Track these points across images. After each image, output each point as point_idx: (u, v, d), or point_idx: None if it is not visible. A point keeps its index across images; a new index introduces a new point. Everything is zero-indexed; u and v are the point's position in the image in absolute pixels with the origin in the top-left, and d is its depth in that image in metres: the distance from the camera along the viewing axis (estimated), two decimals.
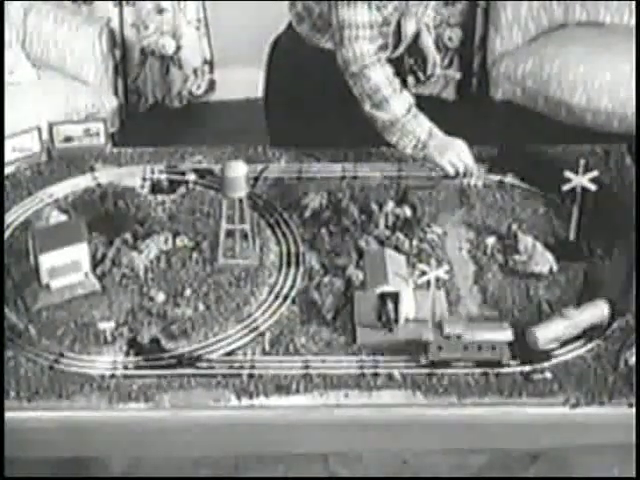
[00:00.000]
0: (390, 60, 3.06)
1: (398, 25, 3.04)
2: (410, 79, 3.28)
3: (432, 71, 3.29)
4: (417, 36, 3.22)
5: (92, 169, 3.08)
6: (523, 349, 2.45)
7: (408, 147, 2.98)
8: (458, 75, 3.21)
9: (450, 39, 5.02)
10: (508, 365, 2.41)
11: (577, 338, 2.48)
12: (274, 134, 3.34)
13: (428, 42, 3.27)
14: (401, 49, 3.15)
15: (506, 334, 2.43)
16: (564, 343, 2.47)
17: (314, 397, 2.38)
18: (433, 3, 3.21)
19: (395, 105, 2.94)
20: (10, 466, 2.32)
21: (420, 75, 3.30)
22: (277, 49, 3.27)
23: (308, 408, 2.37)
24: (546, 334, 2.46)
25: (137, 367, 2.44)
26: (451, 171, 2.98)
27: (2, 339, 2.48)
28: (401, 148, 2.99)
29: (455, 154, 2.98)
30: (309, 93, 3.14)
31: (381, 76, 2.93)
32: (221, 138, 4.14)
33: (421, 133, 2.96)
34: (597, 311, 2.52)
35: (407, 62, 3.25)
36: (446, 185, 3.00)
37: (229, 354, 2.48)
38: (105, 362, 2.45)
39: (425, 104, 3.54)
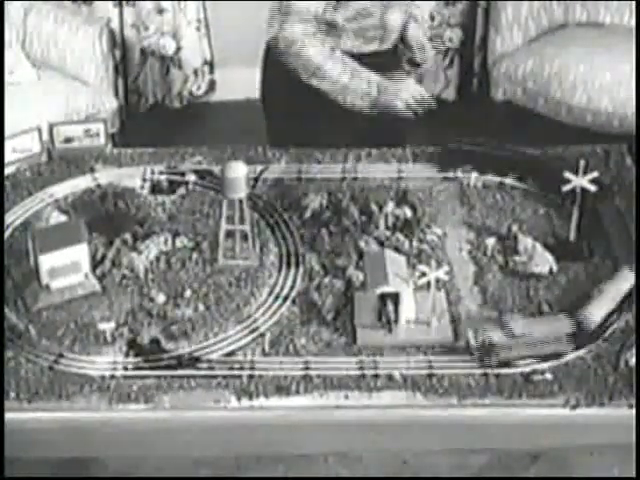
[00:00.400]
0: (383, 52, 3.14)
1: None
2: (407, 68, 3.29)
3: (422, 59, 3.30)
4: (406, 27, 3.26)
5: (92, 170, 3.08)
6: (580, 335, 2.48)
7: (359, 105, 3.06)
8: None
9: (450, 39, 5.02)
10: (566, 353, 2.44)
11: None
12: (273, 134, 3.35)
13: (415, 32, 3.29)
14: (390, 41, 3.18)
15: (565, 325, 2.45)
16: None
17: (314, 398, 2.38)
18: None
19: (333, 72, 3.03)
20: (10, 466, 2.32)
21: (416, 61, 3.32)
22: (272, 48, 3.28)
23: (308, 409, 2.37)
24: (599, 312, 2.48)
25: (137, 368, 2.44)
26: (405, 111, 3.07)
27: (2, 340, 2.48)
28: (358, 109, 3.07)
29: (408, 94, 3.06)
30: (306, 92, 3.15)
31: (315, 51, 3.02)
32: (221, 138, 4.14)
33: (369, 88, 3.04)
34: (626, 283, 2.56)
35: (401, 52, 3.28)
36: (446, 186, 3.01)
37: (229, 355, 2.48)
38: (105, 363, 2.45)
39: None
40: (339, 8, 3.04)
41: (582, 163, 2.69)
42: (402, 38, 3.26)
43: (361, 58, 3.11)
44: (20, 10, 4.51)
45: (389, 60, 3.21)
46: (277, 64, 3.22)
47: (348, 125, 3.15)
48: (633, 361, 2.42)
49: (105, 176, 3.06)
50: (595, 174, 2.71)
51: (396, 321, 2.50)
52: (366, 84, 3.04)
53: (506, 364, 2.42)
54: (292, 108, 3.21)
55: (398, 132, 3.35)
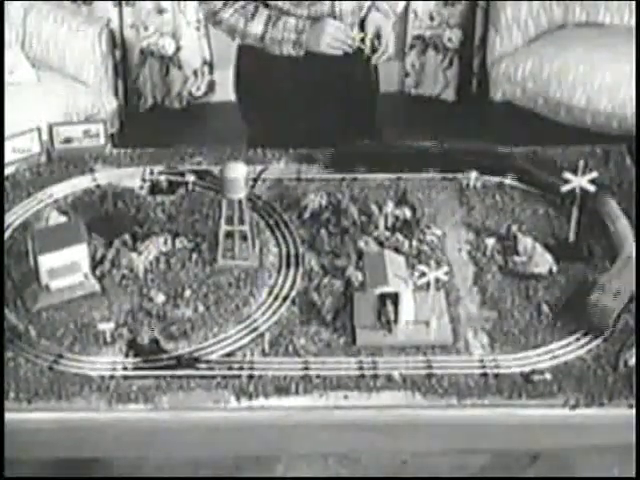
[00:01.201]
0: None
1: None
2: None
3: (369, 52, 3.26)
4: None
5: (92, 170, 3.08)
6: None
7: (289, 51, 3.14)
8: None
9: (450, 40, 5.02)
10: None
11: None
12: (251, 135, 3.39)
13: (372, 21, 3.28)
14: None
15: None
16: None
17: (314, 398, 2.38)
18: None
19: (252, 28, 3.13)
20: (10, 466, 2.32)
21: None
22: (242, 49, 3.33)
23: (308, 409, 2.37)
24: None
25: (136, 368, 2.44)
26: (335, 52, 3.12)
27: (2, 340, 2.48)
28: (285, 53, 3.15)
29: (330, 36, 3.10)
30: (280, 91, 3.23)
31: (229, 15, 3.15)
32: (221, 139, 4.14)
33: (290, 34, 3.11)
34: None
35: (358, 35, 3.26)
36: (445, 186, 3.01)
37: (229, 355, 2.48)
38: (104, 363, 2.45)
39: (425, 104, 3.56)
40: None
41: (581, 163, 2.69)
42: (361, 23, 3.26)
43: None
44: (20, 10, 4.52)
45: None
46: (250, 64, 3.26)
47: (326, 122, 3.20)
48: (633, 361, 2.42)
49: (104, 176, 3.06)
50: (594, 174, 2.71)
51: (395, 321, 2.50)
52: (286, 32, 3.10)
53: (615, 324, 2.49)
54: (267, 108, 3.25)
55: (373, 129, 3.37)
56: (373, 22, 3.23)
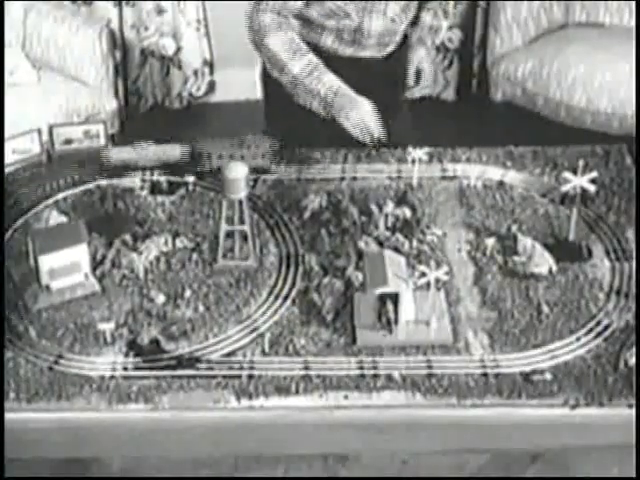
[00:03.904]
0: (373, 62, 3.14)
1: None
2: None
3: (413, 84, 3.31)
4: (407, 45, 3.27)
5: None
6: None
7: (315, 107, 3.05)
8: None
9: (450, 40, 5.02)
10: None
11: None
12: (272, 134, 3.36)
13: (417, 56, 3.31)
14: (370, 47, 3.16)
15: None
16: None
17: (314, 398, 2.38)
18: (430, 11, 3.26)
19: (294, 67, 2.99)
20: (10, 466, 2.32)
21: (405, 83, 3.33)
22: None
23: (308, 409, 2.37)
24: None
25: (137, 368, 2.44)
26: (353, 132, 3.01)
27: (2, 340, 2.48)
28: (312, 108, 3.07)
29: (359, 115, 3.00)
30: None
31: (279, 42, 3.00)
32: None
33: (326, 92, 3.00)
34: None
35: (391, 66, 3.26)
36: (445, 186, 3.01)
37: (229, 355, 2.48)
38: (105, 363, 2.45)
39: (425, 104, 3.56)
40: (312, 4, 3.04)
41: (581, 163, 2.70)
42: (398, 52, 3.25)
43: (345, 62, 3.13)
44: (20, 10, 4.52)
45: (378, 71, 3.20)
46: None
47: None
48: (633, 361, 2.43)
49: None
50: (594, 174, 2.72)
51: (396, 321, 2.50)
52: (322, 86, 3.00)
53: None
54: (292, 109, 3.22)
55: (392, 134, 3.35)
56: (417, 57, 3.28)
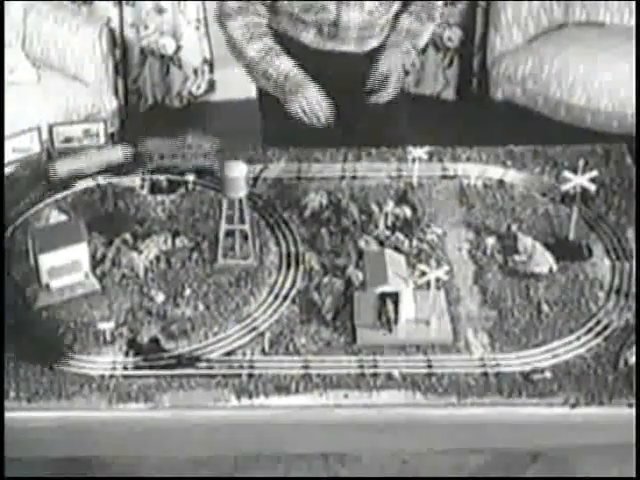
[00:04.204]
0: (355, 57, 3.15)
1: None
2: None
3: (375, 88, 3.21)
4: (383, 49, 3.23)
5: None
6: None
7: (269, 88, 3.13)
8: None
9: (450, 39, 5.02)
10: None
11: None
12: (267, 134, 3.38)
13: (387, 60, 3.21)
14: (351, 42, 3.16)
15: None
16: None
17: (314, 397, 2.38)
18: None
19: (249, 50, 3.09)
20: (10, 466, 2.32)
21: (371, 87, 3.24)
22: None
23: (308, 408, 2.37)
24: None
25: (137, 367, 2.44)
26: (301, 115, 3.09)
27: (2, 339, 2.48)
28: (266, 89, 3.15)
29: (305, 99, 3.07)
30: None
31: (237, 26, 3.09)
32: (221, 138, 4.14)
33: (277, 75, 3.08)
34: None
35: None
36: (446, 185, 3.01)
37: (229, 354, 2.48)
38: (105, 362, 2.45)
39: (425, 104, 3.54)
40: None
41: (581, 162, 2.70)
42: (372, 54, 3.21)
43: (328, 57, 3.16)
44: (20, 10, 4.51)
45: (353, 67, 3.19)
46: None
47: (344, 123, 3.16)
48: (633, 360, 2.43)
49: (105, 176, 3.06)
50: (594, 173, 2.72)
51: (396, 320, 2.50)
52: (274, 70, 3.08)
53: None
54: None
55: (395, 133, 3.35)
56: (386, 61, 3.19)
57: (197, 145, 3.00)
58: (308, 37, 3.15)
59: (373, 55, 3.21)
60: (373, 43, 3.21)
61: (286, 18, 3.15)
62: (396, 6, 3.18)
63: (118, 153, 3.02)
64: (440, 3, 3.25)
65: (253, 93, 3.42)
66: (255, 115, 3.46)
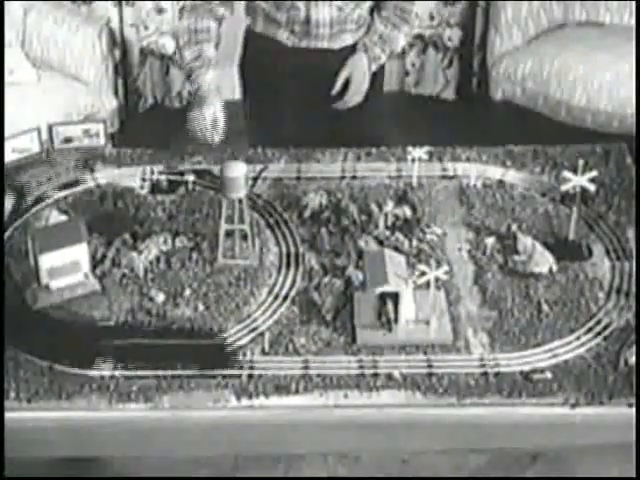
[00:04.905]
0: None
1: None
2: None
3: (335, 92, 3.21)
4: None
5: (92, 170, 3.08)
6: None
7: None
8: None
9: (450, 39, 5.02)
10: None
11: None
12: (252, 134, 3.39)
13: (352, 63, 3.19)
14: (323, 39, 3.17)
15: None
16: None
17: (314, 397, 2.38)
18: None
19: (185, 53, 3.12)
20: (10, 466, 2.32)
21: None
22: (247, 49, 3.35)
23: (308, 408, 2.37)
24: None
25: (137, 367, 2.44)
26: (191, 128, 3.10)
27: (2, 339, 2.48)
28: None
29: (202, 115, 3.08)
30: (282, 91, 3.23)
31: (185, 26, 3.12)
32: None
33: (195, 86, 3.10)
34: None
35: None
36: (446, 185, 3.01)
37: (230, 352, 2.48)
38: (105, 362, 2.45)
39: (425, 104, 3.54)
40: None
41: (581, 162, 2.69)
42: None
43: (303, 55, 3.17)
44: (20, 10, 4.51)
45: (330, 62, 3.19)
46: (255, 64, 3.26)
47: (327, 122, 3.19)
48: (633, 360, 2.42)
49: (105, 176, 3.06)
50: (594, 173, 2.71)
51: (396, 320, 2.50)
52: (195, 79, 3.09)
53: None
54: (273, 108, 3.24)
55: (374, 133, 3.35)
56: (351, 64, 3.18)
57: (64, 159, 3.00)
58: (283, 35, 3.17)
59: (348, 52, 3.21)
60: (348, 40, 3.21)
61: (262, 18, 3.19)
62: (369, 2, 3.18)
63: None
64: (415, 7, 3.23)
65: (238, 94, 3.45)
66: (239, 116, 3.46)
